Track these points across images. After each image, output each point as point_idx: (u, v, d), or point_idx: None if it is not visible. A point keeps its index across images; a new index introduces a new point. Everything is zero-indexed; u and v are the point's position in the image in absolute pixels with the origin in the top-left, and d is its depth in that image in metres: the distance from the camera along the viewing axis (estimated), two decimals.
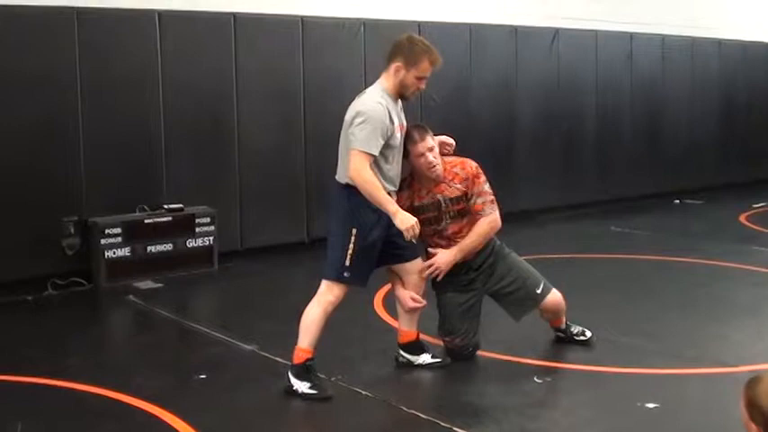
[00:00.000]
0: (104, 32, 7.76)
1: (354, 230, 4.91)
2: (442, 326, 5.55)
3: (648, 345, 5.83)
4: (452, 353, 5.49)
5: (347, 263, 4.92)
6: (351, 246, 4.90)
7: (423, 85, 5.04)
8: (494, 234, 5.43)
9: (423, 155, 5.14)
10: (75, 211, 7.65)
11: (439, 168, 5.23)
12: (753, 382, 2.60)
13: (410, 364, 5.40)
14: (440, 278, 5.34)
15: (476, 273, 5.44)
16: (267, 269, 8.40)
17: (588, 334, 5.80)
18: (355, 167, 4.78)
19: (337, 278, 4.96)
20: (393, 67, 4.95)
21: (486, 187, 5.35)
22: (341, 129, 4.98)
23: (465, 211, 5.32)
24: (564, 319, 5.77)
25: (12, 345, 6.04)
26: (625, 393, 4.97)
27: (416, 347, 5.42)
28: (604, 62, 11.93)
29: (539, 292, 5.51)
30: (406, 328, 5.40)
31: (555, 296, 5.58)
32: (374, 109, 4.82)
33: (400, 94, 5.02)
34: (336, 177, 5.03)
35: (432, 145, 5.18)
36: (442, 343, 5.56)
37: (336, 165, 5.03)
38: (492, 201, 5.37)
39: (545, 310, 5.63)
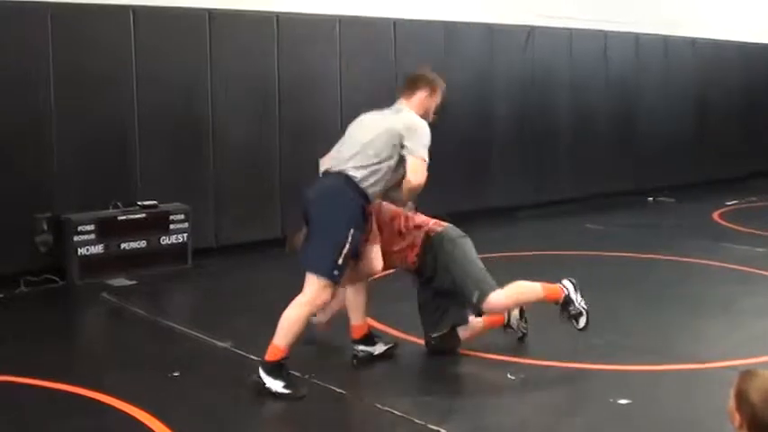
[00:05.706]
0: (78, 28, 7.70)
1: (352, 231, 4.89)
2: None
3: (621, 341, 5.88)
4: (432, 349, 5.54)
5: (340, 262, 4.86)
6: (347, 246, 4.86)
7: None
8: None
9: None
10: (48, 207, 7.58)
11: None
12: (747, 375, 2.64)
13: (371, 356, 5.41)
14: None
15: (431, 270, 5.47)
16: (241, 266, 8.37)
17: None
18: (420, 173, 4.94)
19: (330, 277, 4.86)
20: (423, 94, 5.18)
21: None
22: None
23: None
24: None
25: None
26: (597, 389, 5.02)
27: (370, 338, 5.48)
28: (579, 60, 11.97)
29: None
30: (358, 322, 5.45)
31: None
32: (426, 126, 5.08)
33: None
34: (341, 168, 4.95)
35: None
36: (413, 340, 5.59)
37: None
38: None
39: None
